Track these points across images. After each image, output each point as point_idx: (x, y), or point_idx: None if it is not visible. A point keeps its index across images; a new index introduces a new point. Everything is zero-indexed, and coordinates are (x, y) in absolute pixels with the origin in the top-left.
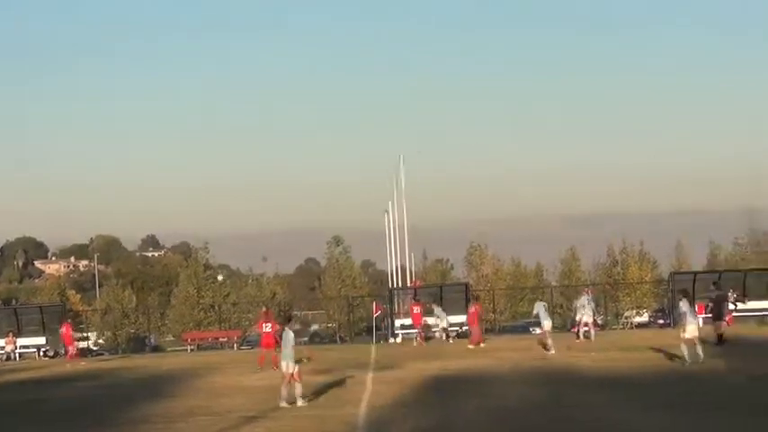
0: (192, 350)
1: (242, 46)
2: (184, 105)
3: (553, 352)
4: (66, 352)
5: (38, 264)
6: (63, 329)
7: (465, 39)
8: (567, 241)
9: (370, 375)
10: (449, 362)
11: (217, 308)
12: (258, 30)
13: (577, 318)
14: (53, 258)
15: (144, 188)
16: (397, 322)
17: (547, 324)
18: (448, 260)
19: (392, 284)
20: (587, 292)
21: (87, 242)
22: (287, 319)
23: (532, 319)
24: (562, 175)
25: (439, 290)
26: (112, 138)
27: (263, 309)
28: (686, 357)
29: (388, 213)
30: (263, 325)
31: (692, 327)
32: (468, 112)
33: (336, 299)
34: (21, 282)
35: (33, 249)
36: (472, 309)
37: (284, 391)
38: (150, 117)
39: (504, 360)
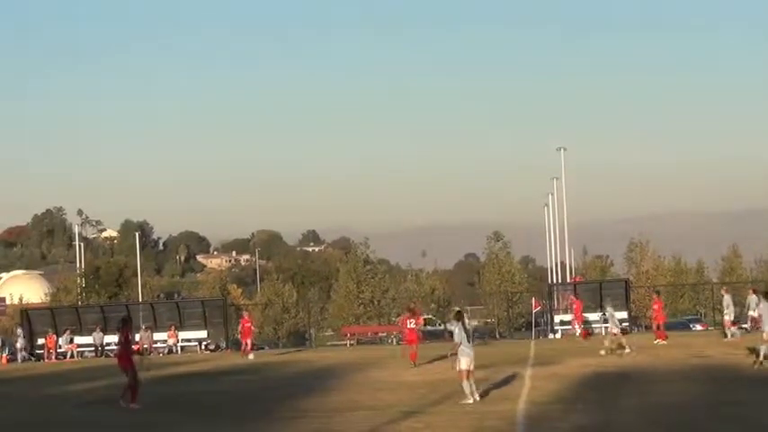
0: (351, 345)
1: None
2: (344, 98)
3: (628, 351)
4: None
5: (200, 258)
6: (243, 323)
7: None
8: (729, 237)
9: (529, 371)
10: (607, 359)
11: (376, 303)
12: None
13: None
14: (215, 253)
15: (305, 184)
16: (557, 318)
17: (616, 328)
18: (608, 256)
19: (552, 280)
20: (727, 291)
21: (249, 237)
22: (458, 316)
23: (692, 316)
24: (723, 169)
25: (599, 286)
26: (269, 136)
27: (411, 304)
28: (761, 356)
29: (547, 207)
30: (408, 321)
31: None
32: (624, 107)
33: (496, 294)
34: (183, 276)
35: (195, 244)
36: (656, 305)
37: (467, 387)
38: (300, 111)
39: (662, 357)
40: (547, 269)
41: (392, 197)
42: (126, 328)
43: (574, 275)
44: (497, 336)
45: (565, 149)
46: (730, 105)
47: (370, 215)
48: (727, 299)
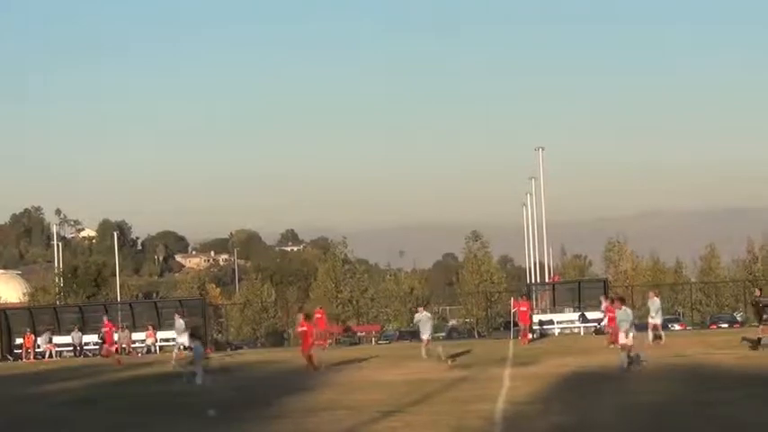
0: (330, 344)
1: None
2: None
3: (425, 358)
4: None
5: (178, 258)
6: (105, 328)
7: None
8: (706, 237)
9: (507, 371)
10: (587, 358)
11: (355, 302)
12: None
13: (648, 320)
14: (193, 253)
15: (283, 183)
16: (535, 318)
17: (426, 335)
18: (586, 256)
19: (530, 280)
20: (656, 295)
21: (227, 237)
22: (194, 332)
23: (670, 316)
24: (700, 169)
25: (577, 286)
26: (249, 136)
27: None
28: (623, 362)
29: (525, 207)
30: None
31: (631, 334)
32: (601, 107)
33: (474, 294)
34: (161, 275)
35: (173, 244)
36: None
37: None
38: (291, 112)
39: (649, 356)
40: (525, 269)
41: (371, 197)
42: None
43: (552, 275)
44: (476, 335)
45: (543, 149)
46: (707, 106)
47: (348, 215)
48: (656, 302)
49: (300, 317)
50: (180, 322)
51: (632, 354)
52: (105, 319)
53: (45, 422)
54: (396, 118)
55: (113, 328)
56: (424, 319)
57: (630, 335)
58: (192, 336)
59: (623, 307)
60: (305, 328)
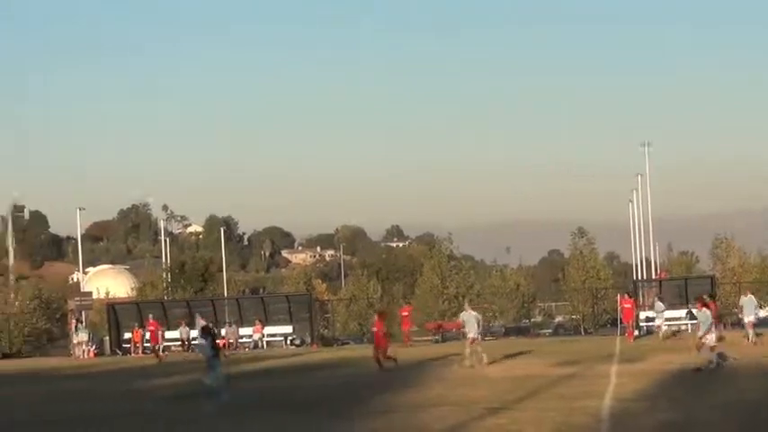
0: (436, 340)
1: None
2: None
3: (468, 364)
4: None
5: (284, 253)
6: (150, 327)
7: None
8: None
9: (614, 368)
10: (692, 356)
11: (461, 298)
12: None
13: (745, 319)
14: (299, 248)
15: (388, 179)
16: (642, 315)
17: (473, 334)
18: (693, 253)
19: (637, 276)
20: (751, 292)
21: (333, 232)
22: (206, 329)
23: None
24: None
25: (684, 282)
26: (355, 131)
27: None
28: (711, 362)
29: (632, 203)
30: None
31: (712, 335)
32: (711, 105)
33: (580, 291)
34: (267, 271)
35: (280, 239)
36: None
37: None
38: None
39: (748, 355)
40: (631, 265)
41: (475, 193)
42: None
43: (659, 272)
44: (582, 332)
45: (649, 145)
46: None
47: (453, 211)
48: (751, 300)
49: (375, 316)
50: (201, 323)
51: (715, 353)
52: (150, 317)
53: (146, 415)
54: (501, 114)
55: (158, 327)
56: (469, 317)
57: (712, 335)
58: (204, 332)
59: (703, 308)
60: (377, 329)
